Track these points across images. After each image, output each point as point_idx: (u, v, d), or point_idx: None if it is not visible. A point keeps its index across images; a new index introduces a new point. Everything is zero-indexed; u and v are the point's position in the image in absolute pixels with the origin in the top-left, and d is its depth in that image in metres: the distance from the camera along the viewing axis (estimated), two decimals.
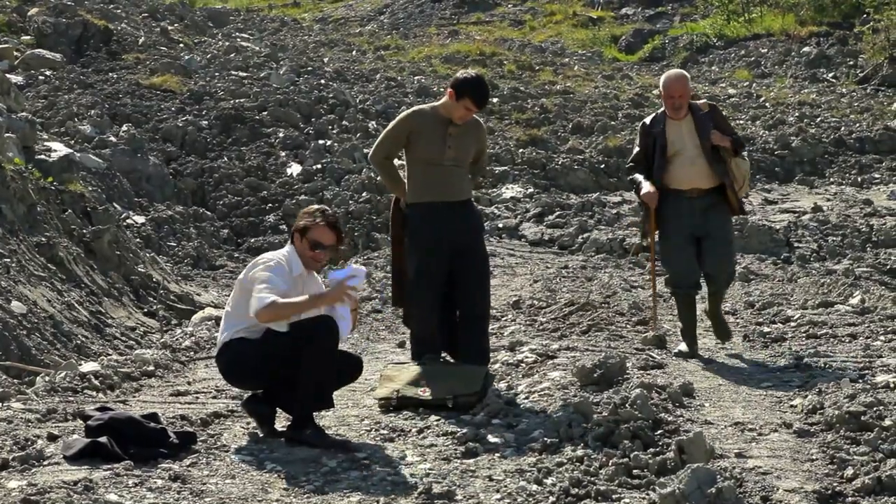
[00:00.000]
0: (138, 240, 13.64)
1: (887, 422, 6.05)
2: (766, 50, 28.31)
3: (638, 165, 8.84)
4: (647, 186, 8.65)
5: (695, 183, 8.62)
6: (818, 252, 14.12)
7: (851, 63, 26.31)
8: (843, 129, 21.03)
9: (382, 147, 7.76)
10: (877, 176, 18.97)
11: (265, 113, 19.92)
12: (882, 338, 9.01)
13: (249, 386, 6.67)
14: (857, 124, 21.37)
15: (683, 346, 8.81)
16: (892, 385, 7.22)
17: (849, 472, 5.45)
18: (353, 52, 28.17)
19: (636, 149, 8.93)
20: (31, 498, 5.04)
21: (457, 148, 7.58)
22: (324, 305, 6.34)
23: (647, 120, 8.91)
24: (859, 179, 18.78)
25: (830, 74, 26.22)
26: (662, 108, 8.79)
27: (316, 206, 6.74)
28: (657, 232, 8.91)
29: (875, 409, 6.29)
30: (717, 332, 9.05)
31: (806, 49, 27.59)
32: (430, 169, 7.55)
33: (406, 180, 7.73)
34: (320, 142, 19.38)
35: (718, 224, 8.68)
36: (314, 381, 6.33)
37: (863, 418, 6.17)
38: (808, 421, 6.51)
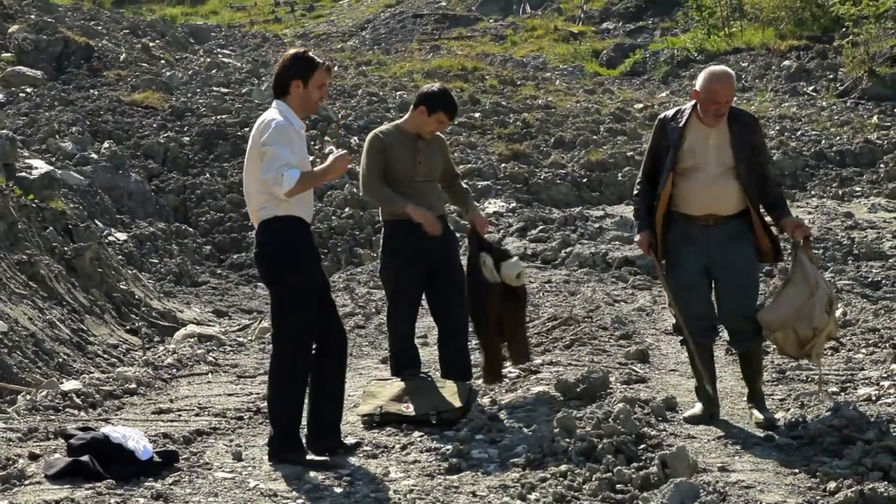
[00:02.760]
0: (120, 257, 13.59)
1: (869, 435, 6.07)
2: (746, 64, 28.41)
3: (645, 185, 7.02)
4: (641, 230, 7.05)
5: (711, 208, 6.83)
6: None
7: (831, 76, 26.40)
8: (823, 142, 21.11)
9: (371, 181, 7.54)
10: (857, 189, 19.03)
11: (247, 129, 19.89)
12: (864, 350, 9.04)
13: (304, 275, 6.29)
14: (838, 137, 21.45)
15: (697, 408, 7.03)
16: (873, 398, 7.24)
17: (831, 485, 5.46)
18: (335, 68, 28.19)
19: (645, 157, 7.10)
20: None
21: (426, 163, 7.59)
22: (329, 176, 6.30)
23: (669, 114, 6.98)
24: (840, 192, 18.83)
25: (811, 88, 26.32)
26: (689, 105, 6.91)
27: (296, 51, 6.59)
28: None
29: (857, 422, 6.31)
30: (756, 418, 6.91)
31: (786, 63, 27.69)
32: (404, 186, 7.51)
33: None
34: None
35: (739, 262, 6.89)
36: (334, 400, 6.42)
37: (845, 431, 6.19)
38: (790, 434, 6.52)
